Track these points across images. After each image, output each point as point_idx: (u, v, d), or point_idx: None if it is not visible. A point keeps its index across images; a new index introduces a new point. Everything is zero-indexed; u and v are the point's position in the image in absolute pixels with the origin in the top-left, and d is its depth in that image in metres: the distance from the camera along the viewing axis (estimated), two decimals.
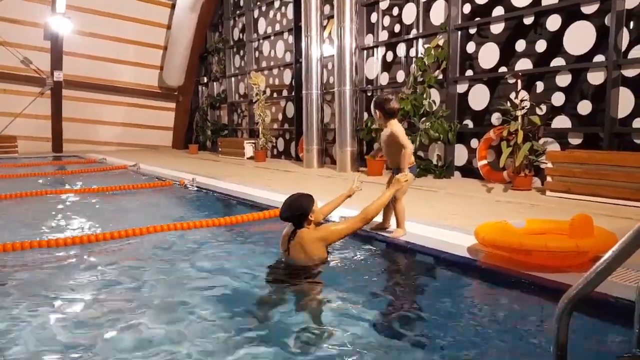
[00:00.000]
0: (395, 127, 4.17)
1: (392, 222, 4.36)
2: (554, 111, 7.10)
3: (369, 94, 10.40)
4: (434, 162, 8.79)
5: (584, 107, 6.78)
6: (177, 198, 7.28)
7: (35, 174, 9.86)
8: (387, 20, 10.02)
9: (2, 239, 4.34)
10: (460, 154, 8.54)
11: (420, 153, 9.04)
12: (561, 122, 7.04)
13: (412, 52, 9.44)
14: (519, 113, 6.99)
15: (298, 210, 3.40)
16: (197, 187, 7.64)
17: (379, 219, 4.45)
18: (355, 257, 3.80)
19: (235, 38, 15.84)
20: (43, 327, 2.65)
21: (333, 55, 10.35)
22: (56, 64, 15.79)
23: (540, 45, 7.26)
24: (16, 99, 15.60)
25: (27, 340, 2.49)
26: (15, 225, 5.26)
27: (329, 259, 3.55)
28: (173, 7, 16.68)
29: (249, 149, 13.45)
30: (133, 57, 17.12)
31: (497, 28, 7.92)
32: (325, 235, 3.46)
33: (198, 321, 2.68)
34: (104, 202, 6.70)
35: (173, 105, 18.42)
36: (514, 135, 6.97)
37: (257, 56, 14.69)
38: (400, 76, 9.70)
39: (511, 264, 3.30)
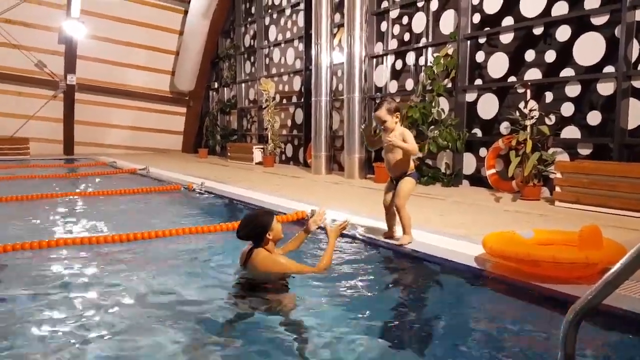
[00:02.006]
0: (405, 130, 4.32)
1: (398, 230, 4.36)
2: (563, 121, 7.09)
3: (378, 102, 10.42)
4: (443, 170, 8.79)
5: (594, 118, 6.77)
6: (184, 202, 7.32)
7: (46, 175, 9.97)
8: (397, 29, 10.07)
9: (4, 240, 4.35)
10: (469, 163, 8.53)
11: (429, 161, 9.05)
12: (570, 132, 7.02)
13: (422, 61, 9.47)
14: (528, 123, 6.99)
15: (256, 227, 3.17)
16: (206, 191, 7.70)
17: (385, 227, 4.48)
18: (361, 264, 3.81)
19: (247, 44, 15.96)
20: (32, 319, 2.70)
21: (343, 62, 10.40)
22: (70, 67, 16.00)
23: (550, 56, 7.27)
24: (30, 102, 15.82)
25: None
26: (18, 225, 5.32)
27: (333, 265, 3.50)
28: (185, 13, 16.87)
29: (257, 154, 13.53)
30: (145, 62, 17.31)
31: (506, 38, 7.93)
32: (274, 267, 3.17)
33: (189, 329, 2.67)
34: (111, 205, 6.75)
35: (184, 109, 18.57)
36: (522, 145, 6.96)
37: (267, 63, 14.79)
38: (409, 84, 9.72)
39: (518, 275, 3.29)
